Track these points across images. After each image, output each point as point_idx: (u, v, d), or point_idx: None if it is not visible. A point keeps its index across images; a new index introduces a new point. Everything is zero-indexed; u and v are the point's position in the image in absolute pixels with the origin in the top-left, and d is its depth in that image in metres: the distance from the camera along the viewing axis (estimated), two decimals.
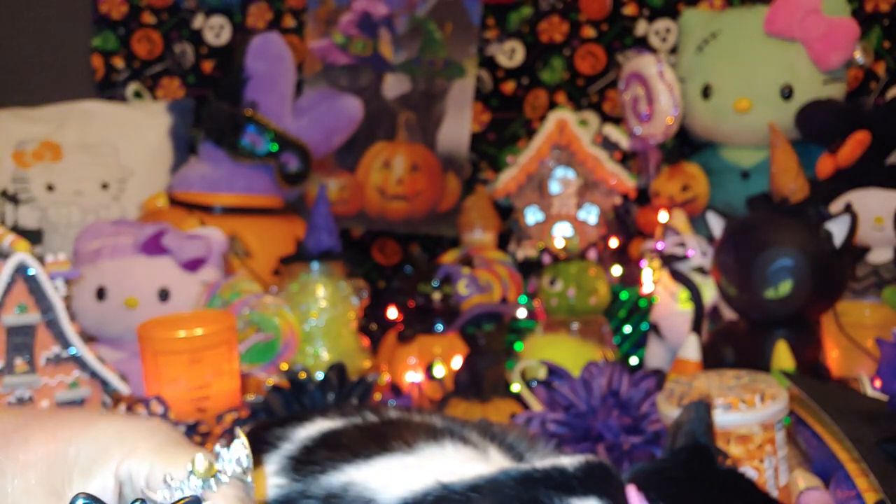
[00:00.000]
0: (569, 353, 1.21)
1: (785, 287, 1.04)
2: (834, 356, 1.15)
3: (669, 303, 1.29)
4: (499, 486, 0.48)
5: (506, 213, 1.73)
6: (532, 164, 1.62)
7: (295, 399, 0.90)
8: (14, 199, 1.76)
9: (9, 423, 0.42)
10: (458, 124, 2.10)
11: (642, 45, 2.02)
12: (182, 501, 0.38)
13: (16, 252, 0.86)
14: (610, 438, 0.86)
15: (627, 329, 1.43)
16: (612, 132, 1.67)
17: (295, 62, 1.66)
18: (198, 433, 0.94)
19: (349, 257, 1.31)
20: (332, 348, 1.24)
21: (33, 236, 1.74)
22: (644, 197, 1.63)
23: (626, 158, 1.70)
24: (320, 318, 1.24)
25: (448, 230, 2.05)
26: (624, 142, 1.65)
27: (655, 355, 1.30)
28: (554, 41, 2.07)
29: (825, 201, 1.21)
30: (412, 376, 1.26)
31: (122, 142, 1.82)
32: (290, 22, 2.13)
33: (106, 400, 0.92)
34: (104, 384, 0.92)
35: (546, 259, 1.37)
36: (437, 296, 1.33)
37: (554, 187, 1.63)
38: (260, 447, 0.58)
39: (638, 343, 1.41)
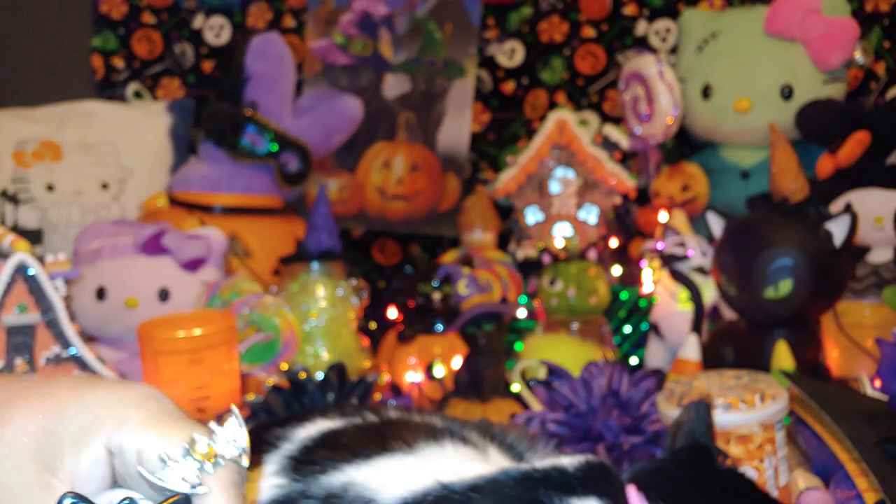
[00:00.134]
0: (569, 353, 1.21)
1: (785, 287, 1.04)
2: (834, 356, 1.15)
3: (669, 303, 1.29)
4: (499, 486, 0.48)
5: (506, 213, 1.73)
6: (532, 164, 1.62)
7: (295, 399, 0.90)
8: (14, 199, 1.76)
9: None
10: (458, 124, 2.10)
11: (642, 45, 2.02)
12: (171, 500, 0.38)
13: (16, 252, 0.86)
14: (610, 438, 0.86)
15: (627, 329, 1.43)
16: (612, 132, 1.67)
17: (295, 62, 1.66)
18: None
19: (349, 257, 1.31)
20: (332, 348, 1.24)
21: (33, 236, 1.74)
22: (644, 197, 1.63)
23: (626, 158, 1.70)
24: (320, 318, 1.24)
25: (448, 230, 2.05)
26: (624, 142, 1.65)
27: (655, 355, 1.30)
28: (554, 41, 2.07)
29: (825, 201, 1.21)
30: (412, 376, 1.26)
31: (122, 142, 1.82)
32: (290, 22, 2.13)
33: None
34: None
35: (546, 259, 1.37)
36: (437, 296, 1.33)
37: (554, 187, 1.63)
38: (260, 447, 0.58)
39: (638, 343, 1.41)
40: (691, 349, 1.09)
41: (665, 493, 0.52)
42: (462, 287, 1.19)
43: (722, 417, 0.76)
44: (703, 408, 0.62)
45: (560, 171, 1.62)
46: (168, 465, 0.38)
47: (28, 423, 0.39)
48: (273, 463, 0.57)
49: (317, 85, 2.11)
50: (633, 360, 1.36)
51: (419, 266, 1.63)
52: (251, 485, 0.54)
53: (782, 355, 1.02)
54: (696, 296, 1.16)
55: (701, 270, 1.27)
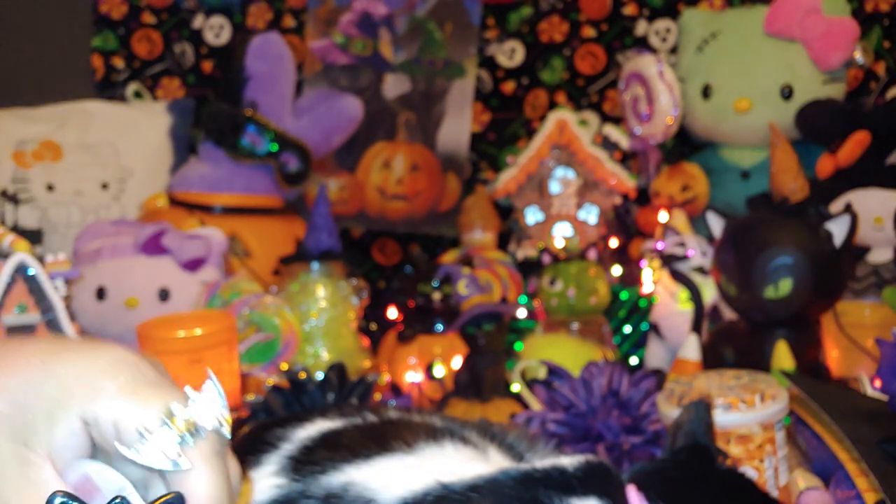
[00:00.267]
0: (569, 353, 1.21)
1: (785, 287, 1.04)
2: (834, 356, 1.15)
3: (669, 303, 1.29)
4: (499, 486, 0.48)
5: (506, 213, 1.73)
6: (532, 164, 1.62)
7: (295, 399, 0.90)
8: (14, 199, 1.76)
9: None
10: (458, 124, 2.10)
11: (642, 45, 2.02)
12: (162, 499, 0.36)
13: (16, 252, 0.86)
14: (610, 438, 0.86)
15: (627, 329, 1.43)
16: (612, 132, 1.67)
17: (295, 62, 1.66)
18: None
19: (349, 257, 1.31)
20: (332, 348, 1.24)
21: (33, 236, 1.74)
22: (644, 197, 1.63)
23: (626, 158, 1.70)
24: (320, 318, 1.24)
25: (448, 230, 2.05)
26: (624, 142, 1.65)
27: (655, 355, 1.30)
28: (554, 41, 2.07)
29: (825, 201, 1.21)
30: (412, 376, 1.26)
31: (122, 142, 1.82)
32: (290, 22, 2.13)
33: None
34: None
35: (546, 259, 1.37)
36: (437, 296, 1.33)
37: (554, 187, 1.63)
38: (260, 447, 0.58)
39: (638, 343, 1.41)
40: (691, 349, 1.09)
41: (665, 493, 0.52)
42: (462, 287, 1.19)
43: (722, 417, 0.76)
44: (703, 408, 0.62)
45: (560, 171, 1.62)
46: (146, 438, 0.36)
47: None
48: (273, 463, 0.57)
49: (317, 85, 2.11)
50: (633, 360, 1.36)
51: (419, 266, 1.63)
52: (251, 485, 0.54)
53: (782, 355, 1.02)
54: (696, 296, 1.16)
55: (701, 270, 1.27)
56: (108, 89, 2.13)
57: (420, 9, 2.09)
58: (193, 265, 1.26)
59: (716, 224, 1.13)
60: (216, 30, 2.13)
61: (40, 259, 0.88)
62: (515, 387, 1.08)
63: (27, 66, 2.08)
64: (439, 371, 1.22)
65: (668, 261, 1.29)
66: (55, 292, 0.87)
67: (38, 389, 0.38)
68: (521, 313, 1.39)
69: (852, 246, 1.07)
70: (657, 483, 0.53)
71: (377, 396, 1.05)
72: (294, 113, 1.64)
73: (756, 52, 1.65)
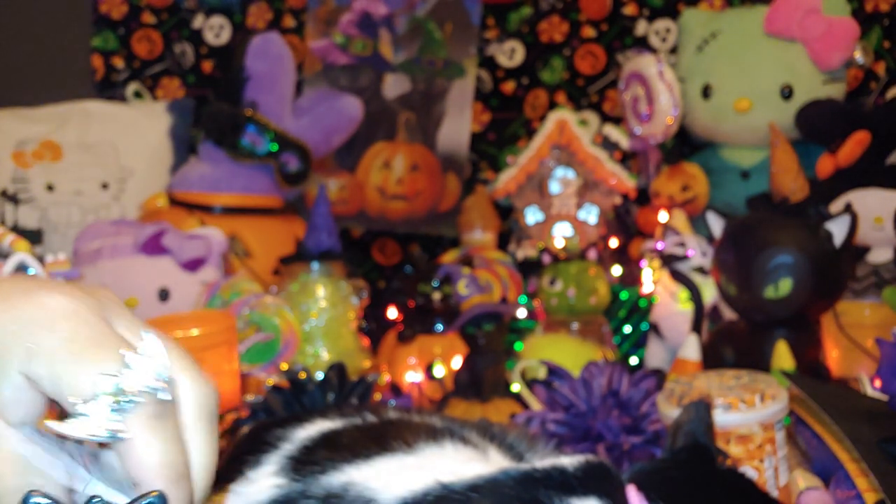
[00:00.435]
0: (569, 353, 1.21)
1: (785, 287, 1.04)
2: (834, 356, 1.14)
3: (669, 303, 1.29)
4: (498, 486, 0.48)
5: (506, 213, 1.73)
6: (532, 164, 1.62)
7: (295, 399, 0.90)
8: (14, 199, 1.76)
9: None
10: (458, 124, 2.10)
11: (642, 45, 2.02)
12: (142, 498, 0.35)
13: (16, 252, 0.86)
14: (610, 438, 0.86)
15: (627, 329, 1.43)
16: (612, 132, 1.67)
17: (295, 62, 1.66)
18: None
19: (349, 257, 1.31)
20: (332, 348, 1.24)
21: (33, 236, 1.74)
22: (644, 197, 1.63)
23: (626, 158, 1.70)
24: (320, 318, 1.24)
25: (448, 230, 2.05)
26: (624, 142, 1.65)
27: (655, 355, 1.29)
28: (554, 41, 2.07)
29: (825, 201, 1.21)
30: (412, 376, 1.26)
31: (122, 142, 1.82)
32: (290, 22, 2.13)
33: None
34: None
35: (546, 259, 1.37)
36: (437, 296, 1.33)
37: (554, 187, 1.63)
38: (260, 447, 0.58)
39: (638, 343, 1.41)
40: (691, 349, 1.09)
41: (665, 493, 0.52)
42: (462, 287, 1.19)
43: (722, 417, 0.76)
44: (703, 408, 0.62)
45: (560, 171, 1.62)
46: (78, 409, 0.34)
47: None
48: (273, 463, 0.57)
49: (317, 85, 2.11)
50: (633, 360, 1.36)
51: (419, 266, 1.63)
52: (251, 485, 0.54)
53: (782, 355, 1.02)
54: (696, 296, 1.16)
55: (701, 270, 1.27)
56: (108, 89, 2.13)
57: (420, 9, 2.09)
58: (193, 265, 1.26)
59: (716, 224, 1.13)
60: (216, 30, 2.13)
61: (40, 259, 0.88)
62: (515, 387, 1.08)
63: (27, 66, 2.08)
64: (439, 371, 1.22)
65: (668, 261, 1.29)
66: None
67: None
68: (521, 313, 1.39)
69: (852, 246, 1.07)
70: (657, 483, 0.53)
71: (377, 396, 1.05)
72: (294, 113, 1.64)
73: (756, 52, 1.66)
